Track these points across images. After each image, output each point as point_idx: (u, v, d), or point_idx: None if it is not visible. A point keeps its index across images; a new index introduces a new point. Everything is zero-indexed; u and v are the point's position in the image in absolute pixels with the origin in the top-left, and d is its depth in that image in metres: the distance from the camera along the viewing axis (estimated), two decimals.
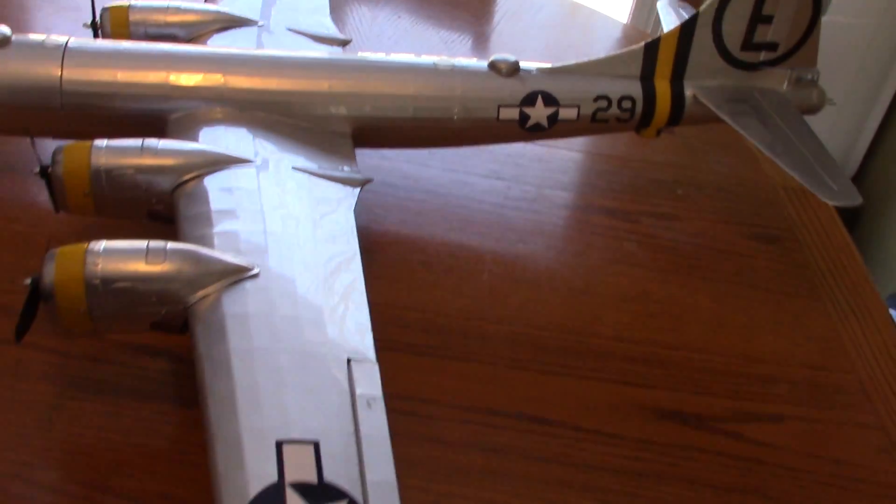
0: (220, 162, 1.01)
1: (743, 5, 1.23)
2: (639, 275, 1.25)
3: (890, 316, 1.27)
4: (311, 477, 0.71)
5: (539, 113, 1.21)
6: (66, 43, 1.09)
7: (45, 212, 1.04)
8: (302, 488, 0.70)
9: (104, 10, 1.24)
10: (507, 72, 1.21)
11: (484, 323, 1.12)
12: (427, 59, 1.21)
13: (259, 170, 1.02)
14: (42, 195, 1.05)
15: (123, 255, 0.85)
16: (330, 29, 1.37)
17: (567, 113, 1.23)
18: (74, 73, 1.08)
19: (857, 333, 1.22)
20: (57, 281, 0.83)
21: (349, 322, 0.87)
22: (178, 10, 1.26)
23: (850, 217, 2.45)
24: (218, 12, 1.29)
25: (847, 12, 2.35)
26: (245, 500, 0.69)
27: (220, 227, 0.93)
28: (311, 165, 1.07)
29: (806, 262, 1.34)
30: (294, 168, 1.06)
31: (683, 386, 1.09)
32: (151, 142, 1.00)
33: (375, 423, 0.77)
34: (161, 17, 1.25)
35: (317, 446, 0.73)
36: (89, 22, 1.25)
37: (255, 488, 0.69)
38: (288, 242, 0.94)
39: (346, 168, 1.10)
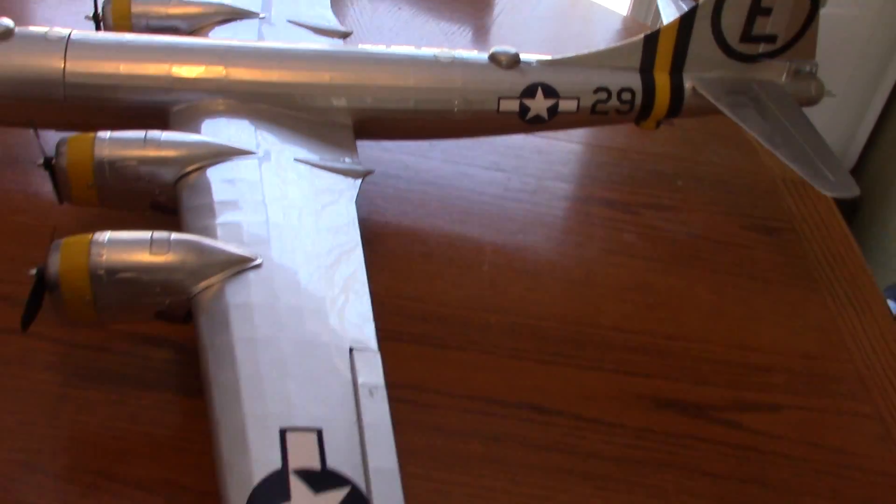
0: (223, 153, 1.02)
1: None
2: (638, 266, 1.26)
3: (887, 306, 1.28)
4: (315, 464, 0.72)
5: (539, 105, 1.22)
6: (69, 35, 1.10)
7: (48, 203, 1.05)
8: (305, 475, 0.71)
9: (106, 2, 1.25)
10: (508, 64, 1.21)
11: (484, 313, 1.13)
12: (428, 51, 1.22)
13: (261, 161, 1.03)
14: (45, 187, 1.06)
15: (128, 246, 0.86)
16: (331, 21, 1.38)
17: (567, 105, 1.23)
18: (77, 66, 1.08)
19: (855, 324, 1.23)
20: (62, 271, 0.84)
21: (351, 312, 0.88)
22: (179, 3, 1.27)
23: (849, 209, 2.46)
24: (219, 4, 1.30)
25: (846, 4, 2.35)
26: (249, 486, 0.70)
27: (222, 217, 0.94)
28: (312, 157, 1.08)
29: (804, 253, 1.35)
30: (296, 159, 1.06)
31: (682, 375, 1.10)
32: (154, 133, 1.00)
33: (377, 411, 0.78)
34: (163, 10, 1.26)
35: (320, 434, 0.74)
36: (91, 14, 1.25)
37: (259, 475, 0.70)
38: (290, 233, 0.95)
39: (347, 159, 1.10)
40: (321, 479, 0.71)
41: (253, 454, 0.72)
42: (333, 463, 0.72)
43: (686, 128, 1.51)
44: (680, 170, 1.46)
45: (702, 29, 1.25)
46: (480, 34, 1.76)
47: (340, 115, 1.16)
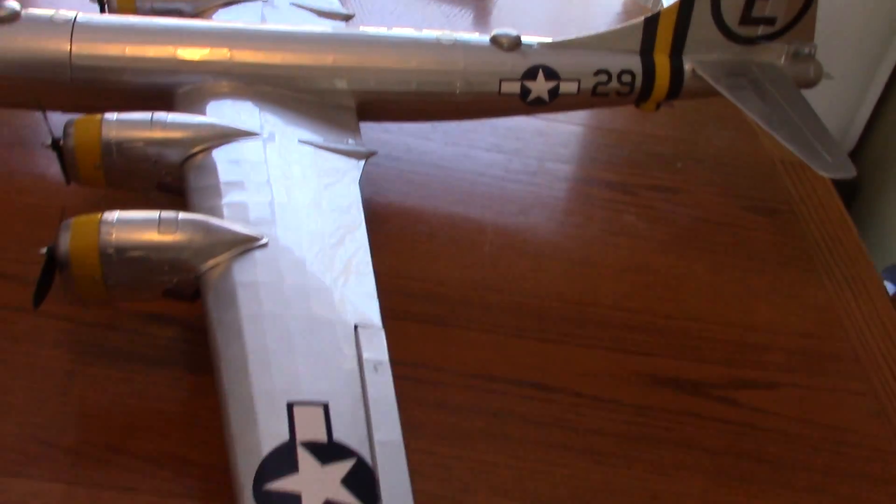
0: (228, 135, 1.03)
1: None
2: (638, 246, 1.28)
3: (883, 286, 1.30)
4: (322, 436, 0.74)
5: (540, 87, 1.23)
6: (75, 18, 1.11)
7: (56, 184, 1.06)
8: (312, 447, 0.73)
9: None
10: (509, 46, 1.23)
11: (486, 292, 1.15)
12: (429, 33, 1.23)
13: (266, 142, 1.04)
14: (52, 167, 1.08)
15: (137, 225, 0.87)
16: (333, 3, 1.39)
17: (568, 87, 1.24)
18: (83, 48, 1.10)
19: (851, 303, 1.24)
20: (72, 250, 0.85)
21: (355, 290, 0.90)
22: None
23: (849, 191, 2.47)
24: None
25: None
26: (258, 458, 0.72)
27: (228, 198, 0.95)
28: (316, 138, 1.09)
29: (802, 234, 1.36)
30: (300, 141, 1.08)
31: (681, 354, 1.12)
32: (161, 115, 1.02)
33: (382, 386, 0.80)
34: None
35: (326, 407, 0.76)
36: None
37: (267, 447, 0.72)
38: (295, 213, 0.96)
39: (350, 141, 1.12)
40: (328, 451, 0.73)
41: (261, 427, 0.74)
42: (340, 436, 0.74)
43: (686, 110, 1.52)
44: (679, 151, 1.47)
45: (701, 11, 1.26)
46: (482, 16, 1.76)
47: (343, 97, 1.18)
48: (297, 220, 0.95)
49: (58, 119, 1.04)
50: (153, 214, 0.89)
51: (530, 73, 1.22)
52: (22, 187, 1.17)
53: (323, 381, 0.79)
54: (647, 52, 1.27)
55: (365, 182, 1.07)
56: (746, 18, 1.27)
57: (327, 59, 1.17)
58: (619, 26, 1.29)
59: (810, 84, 1.33)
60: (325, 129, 1.12)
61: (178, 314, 1.00)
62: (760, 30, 1.29)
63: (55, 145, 1.00)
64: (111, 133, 0.99)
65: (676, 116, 1.51)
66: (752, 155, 1.51)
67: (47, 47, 1.09)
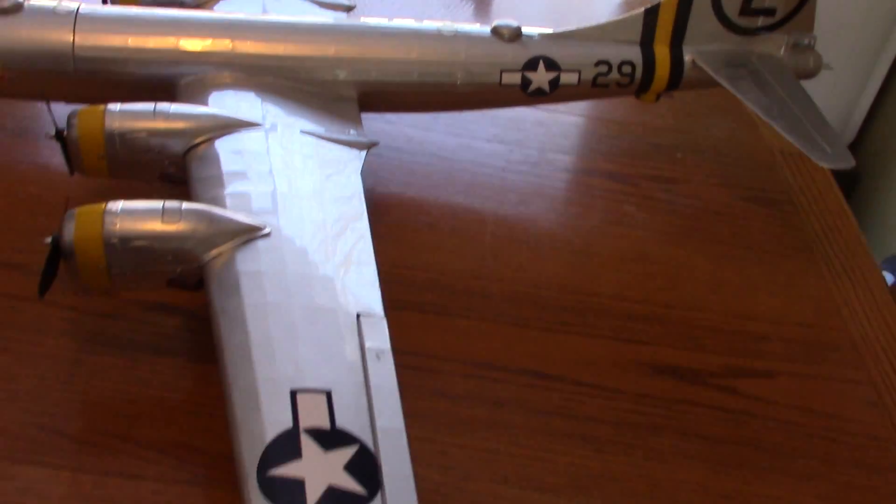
0: (231, 125, 1.04)
1: None
2: (638, 236, 1.28)
3: (881, 276, 1.30)
4: (325, 423, 0.75)
5: (541, 78, 1.24)
6: (77, 9, 1.12)
7: (59, 174, 1.07)
8: (315, 433, 0.74)
9: None
10: (510, 37, 1.23)
11: (487, 282, 1.16)
12: (430, 24, 1.23)
13: (268, 133, 1.05)
14: (55, 158, 1.08)
15: (140, 215, 0.88)
16: None
17: (568, 78, 1.25)
18: (86, 39, 1.10)
19: (850, 293, 1.25)
20: (77, 239, 0.86)
21: (357, 280, 0.91)
22: None
23: (849, 183, 2.48)
24: None
25: None
26: (262, 444, 0.73)
27: (231, 188, 0.96)
28: (318, 129, 1.10)
29: (801, 224, 1.37)
30: (302, 131, 1.08)
31: (680, 343, 1.13)
32: (163, 106, 1.02)
33: (384, 374, 0.81)
34: None
35: (329, 395, 0.77)
36: None
37: (271, 434, 0.73)
38: (297, 203, 0.97)
39: (352, 131, 1.12)
40: (331, 437, 0.74)
41: (265, 414, 0.75)
42: (342, 422, 0.75)
43: (686, 101, 1.52)
44: (679, 142, 1.48)
45: (701, 2, 1.26)
46: (483, 7, 1.77)
47: (345, 87, 1.18)
48: (299, 210, 0.96)
49: (61, 110, 1.04)
50: (157, 204, 0.89)
51: (531, 64, 1.23)
52: (25, 177, 1.17)
53: (326, 369, 0.80)
54: (647, 42, 1.28)
55: (366, 172, 1.08)
56: (746, 9, 1.28)
57: (329, 49, 1.17)
58: (619, 17, 1.29)
59: (810, 75, 1.34)
60: (327, 119, 1.13)
61: (182, 304, 1.01)
62: (760, 21, 1.29)
63: (59, 136, 1.01)
64: (114, 123, 1.00)
65: (676, 107, 1.52)
66: (751, 146, 1.51)
67: (50, 38, 1.10)
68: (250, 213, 0.93)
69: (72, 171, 1.03)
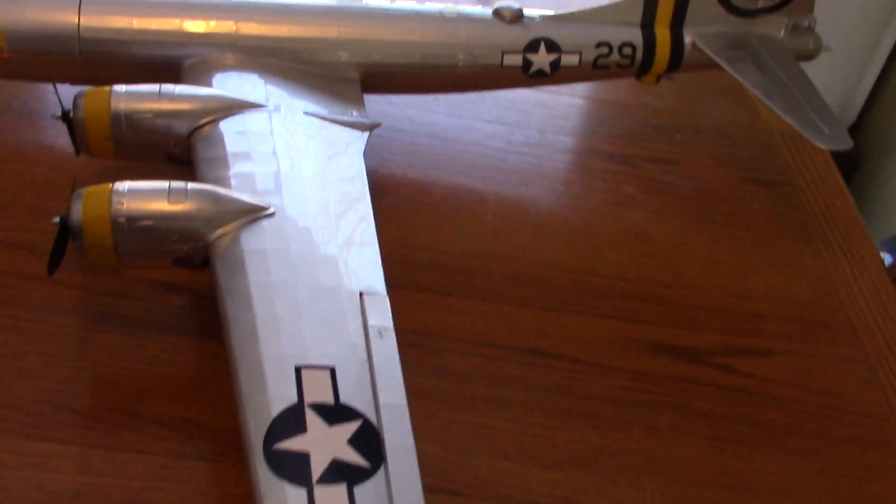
0: (235, 107, 1.05)
1: None
2: (637, 217, 1.29)
3: (879, 256, 1.32)
4: (329, 399, 0.76)
5: (542, 59, 1.25)
6: None
7: (65, 155, 1.08)
8: (320, 409, 0.76)
9: None
10: (511, 19, 1.24)
11: (488, 262, 1.17)
12: (432, 6, 1.24)
13: (272, 114, 1.06)
14: (61, 139, 1.09)
15: (147, 195, 0.89)
16: None
17: (569, 59, 1.26)
18: (91, 21, 1.11)
19: (847, 273, 1.27)
20: (84, 219, 0.87)
21: (360, 259, 0.92)
22: None
23: (849, 165, 2.48)
24: None
25: None
26: (268, 419, 0.74)
27: (236, 168, 0.97)
28: (321, 110, 1.11)
29: (800, 205, 1.38)
30: (305, 112, 1.09)
31: (678, 322, 1.14)
32: (168, 87, 1.03)
33: (387, 351, 0.82)
34: None
35: (333, 371, 0.78)
36: None
37: (276, 409, 0.75)
38: (301, 183, 0.98)
39: (354, 113, 1.13)
40: (335, 412, 0.76)
41: (270, 390, 0.76)
42: (346, 398, 0.77)
43: (686, 82, 1.53)
44: (679, 123, 1.49)
45: None
46: None
47: (347, 69, 1.19)
48: (302, 191, 0.97)
49: (67, 91, 1.06)
50: (163, 185, 0.90)
51: (532, 46, 1.24)
52: (32, 158, 1.18)
53: (330, 346, 0.81)
54: (647, 24, 1.28)
55: (369, 153, 1.09)
56: None
57: (332, 31, 1.18)
58: None
59: (809, 56, 1.34)
60: (330, 101, 1.14)
61: (188, 283, 1.03)
62: (760, 2, 1.30)
63: (65, 117, 1.02)
64: (120, 105, 1.00)
65: (677, 89, 1.52)
66: (751, 127, 1.52)
67: (56, 19, 1.10)
68: (255, 193, 0.94)
69: (78, 152, 1.04)
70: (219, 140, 1.01)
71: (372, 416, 0.76)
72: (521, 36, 1.23)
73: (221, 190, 0.93)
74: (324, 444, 0.74)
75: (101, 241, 0.88)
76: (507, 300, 1.12)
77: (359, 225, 0.96)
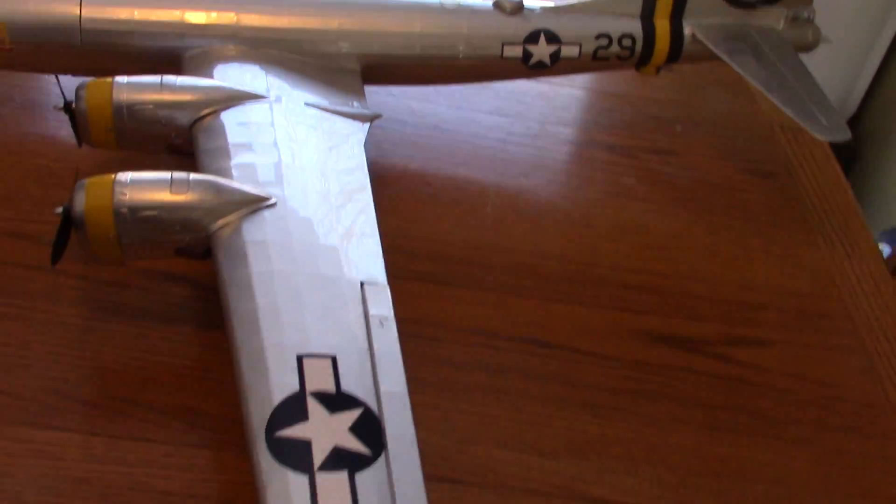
0: (236, 98, 1.05)
1: None
2: (637, 208, 1.30)
3: (877, 247, 1.32)
4: (330, 387, 0.77)
5: (542, 51, 1.25)
6: None
7: (67, 146, 1.09)
8: (321, 397, 0.76)
9: None
10: (511, 10, 1.24)
11: (488, 252, 1.18)
12: None
13: (273, 105, 1.06)
14: (63, 130, 1.10)
15: (149, 186, 0.90)
16: None
17: (569, 51, 1.26)
18: (93, 12, 1.11)
19: (845, 263, 1.27)
20: (87, 210, 0.88)
21: (361, 249, 0.93)
22: None
23: (849, 157, 2.49)
24: None
25: None
26: (270, 407, 0.75)
27: (237, 159, 0.98)
28: (322, 101, 1.11)
29: (799, 196, 1.39)
30: (306, 104, 1.10)
31: (677, 312, 1.15)
32: (170, 78, 1.04)
33: (387, 340, 0.83)
34: None
35: (334, 360, 0.79)
36: None
37: (278, 397, 0.76)
38: (302, 174, 0.99)
39: (355, 104, 1.14)
40: (336, 400, 0.76)
41: (272, 378, 0.77)
42: (347, 386, 0.78)
43: (686, 74, 1.53)
44: (679, 115, 1.49)
45: None
46: None
47: (348, 60, 1.19)
48: (303, 182, 0.98)
49: (69, 82, 1.06)
50: (165, 175, 0.91)
51: (532, 37, 1.24)
52: (35, 149, 1.19)
53: (331, 335, 0.82)
54: (647, 16, 1.29)
55: (369, 144, 1.09)
56: None
57: (333, 22, 1.19)
58: None
59: (808, 48, 1.35)
60: (331, 92, 1.14)
61: (190, 273, 1.03)
62: None
63: (67, 108, 1.02)
64: (122, 96, 1.01)
65: (676, 80, 1.52)
66: (750, 118, 1.53)
67: (57, 11, 1.11)
68: (256, 183, 0.94)
69: (80, 143, 1.05)
70: (220, 131, 1.01)
71: (373, 405, 0.77)
72: (521, 27, 1.24)
73: (223, 180, 0.93)
74: (325, 431, 0.74)
75: (103, 232, 0.89)
76: (506, 290, 1.13)
77: (359, 216, 0.97)
